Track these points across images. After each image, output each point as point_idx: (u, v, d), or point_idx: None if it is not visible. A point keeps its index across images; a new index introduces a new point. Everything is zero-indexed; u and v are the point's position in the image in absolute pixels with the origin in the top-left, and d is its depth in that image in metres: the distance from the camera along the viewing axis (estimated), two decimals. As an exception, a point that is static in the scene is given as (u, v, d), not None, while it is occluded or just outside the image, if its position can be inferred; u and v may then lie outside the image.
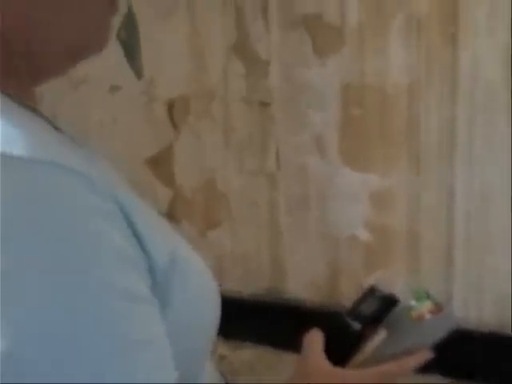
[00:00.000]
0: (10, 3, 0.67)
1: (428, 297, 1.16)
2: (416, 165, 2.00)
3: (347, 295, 2.12)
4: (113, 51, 2.22)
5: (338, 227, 2.11)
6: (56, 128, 0.79)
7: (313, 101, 2.07)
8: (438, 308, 1.14)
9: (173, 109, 2.24)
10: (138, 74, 2.24)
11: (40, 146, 0.61)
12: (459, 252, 2.01)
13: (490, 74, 1.87)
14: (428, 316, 1.12)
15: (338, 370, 1.04)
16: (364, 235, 2.09)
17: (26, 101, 0.73)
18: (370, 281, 2.07)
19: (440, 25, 1.90)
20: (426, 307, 1.14)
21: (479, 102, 1.90)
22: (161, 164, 2.29)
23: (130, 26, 2.18)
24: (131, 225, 0.63)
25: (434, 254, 2.03)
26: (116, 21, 2.15)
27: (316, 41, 2.04)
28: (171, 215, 2.30)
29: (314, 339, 1.09)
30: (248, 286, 2.24)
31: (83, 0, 0.72)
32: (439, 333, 1.11)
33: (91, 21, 0.74)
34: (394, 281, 2.07)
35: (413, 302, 1.15)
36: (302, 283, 2.19)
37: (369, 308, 1.16)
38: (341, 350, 1.11)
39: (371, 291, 1.18)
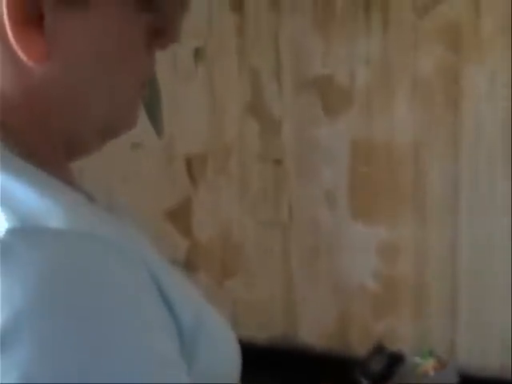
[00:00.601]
0: (54, 87, 0.70)
1: (432, 354, 1.20)
2: (422, 218, 2.04)
3: (356, 341, 2.14)
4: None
5: (348, 277, 2.14)
6: (91, 198, 0.80)
7: (323, 157, 2.11)
8: (441, 364, 1.18)
9: (191, 164, 2.28)
10: (159, 131, 2.28)
11: (75, 218, 0.61)
12: (463, 301, 2.04)
13: (490, 133, 1.92)
14: (432, 372, 1.16)
15: None
16: (372, 285, 2.11)
17: (62, 174, 0.74)
18: (377, 328, 2.11)
19: (443, 88, 1.96)
20: (430, 364, 1.18)
21: (480, 160, 1.95)
22: (179, 216, 2.31)
23: (152, 87, 2.23)
24: (160, 289, 0.62)
25: (439, 303, 2.05)
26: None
27: (326, 101, 2.09)
28: (189, 264, 2.31)
29: None
30: (262, 333, 2.24)
31: (119, 83, 0.73)
32: None
33: (125, 102, 0.75)
34: (401, 332, 2.10)
35: (418, 359, 1.20)
36: (313, 330, 2.20)
37: (377, 365, 1.21)
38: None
39: (379, 349, 1.23)
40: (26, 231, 0.57)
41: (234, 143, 2.22)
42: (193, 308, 0.67)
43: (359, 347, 2.11)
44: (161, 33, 0.75)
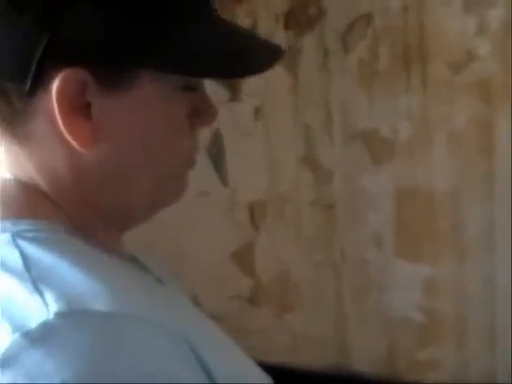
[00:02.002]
0: (102, 167, 0.69)
1: None
2: (461, 257, 2.07)
3: (403, 368, 2.17)
4: (203, 164, 2.34)
5: (394, 310, 2.18)
6: (142, 265, 0.82)
7: (370, 203, 2.17)
8: None
9: (253, 211, 2.34)
10: (224, 182, 2.34)
11: (120, 299, 0.60)
12: (501, 333, 2.05)
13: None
14: None
15: None
16: (417, 317, 2.14)
17: (112, 246, 0.75)
18: (422, 357, 2.12)
19: (477, 138, 1.99)
20: None
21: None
22: (243, 257, 2.38)
23: (218, 143, 2.31)
24: (200, 360, 0.61)
25: (479, 334, 2.08)
26: (205, 139, 2.30)
27: (372, 152, 2.14)
28: (252, 300, 2.37)
29: None
30: (317, 362, 2.29)
31: (163, 161, 0.72)
32: None
33: (170, 178, 0.74)
34: (444, 361, 2.10)
35: None
36: (363, 359, 2.24)
37: None
38: None
39: None
40: (72, 315, 0.57)
41: (290, 191, 2.28)
42: (233, 374, 0.67)
43: (406, 373, 2.14)
44: (201, 111, 0.75)
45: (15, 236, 0.64)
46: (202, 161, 2.35)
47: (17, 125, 0.67)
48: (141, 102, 0.68)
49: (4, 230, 0.65)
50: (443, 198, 2.07)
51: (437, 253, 2.10)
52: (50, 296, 0.58)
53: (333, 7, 2.11)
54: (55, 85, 0.63)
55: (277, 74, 2.21)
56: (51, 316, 0.56)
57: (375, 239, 2.17)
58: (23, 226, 0.66)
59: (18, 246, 0.63)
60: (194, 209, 2.37)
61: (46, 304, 0.57)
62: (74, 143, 0.66)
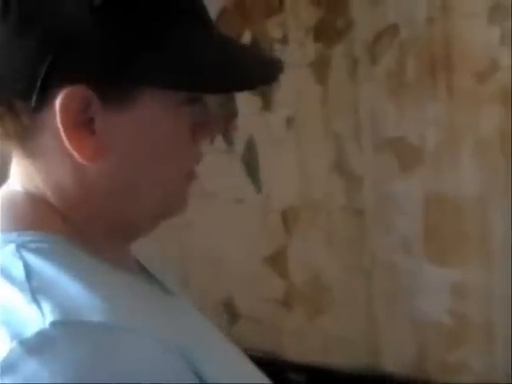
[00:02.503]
0: (107, 180, 0.70)
1: None
2: (488, 261, 2.07)
3: (432, 370, 2.17)
4: (237, 171, 2.38)
5: (424, 314, 2.18)
6: (150, 276, 0.82)
7: (399, 209, 2.18)
8: None
9: (286, 217, 2.37)
10: (258, 189, 2.37)
11: (116, 311, 0.61)
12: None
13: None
14: None
15: None
16: (445, 321, 2.14)
17: (118, 257, 0.75)
18: (451, 359, 2.12)
19: (503, 145, 2.00)
20: None
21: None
22: (276, 261, 2.41)
23: (252, 151, 2.34)
24: (197, 371, 0.62)
25: (506, 337, 2.07)
26: (239, 147, 2.33)
27: (400, 159, 2.16)
28: (285, 303, 2.40)
29: None
30: (348, 363, 2.30)
31: (167, 173, 0.73)
32: None
33: (173, 190, 0.75)
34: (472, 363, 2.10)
35: None
36: (393, 360, 2.25)
37: None
38: None
39: None
40: (68, 325, 0.58)
41: (321, 198, 2.31)
42: (230, 381, 0.68)
43: (435, 375, 2.14)
44: (204, 122, 0.75)
45: (20, 247, 0.66)
46: (236, 168, 2.39)
47: (26, 140, 0.69)
48: (144, 116, 0.69)
49: (10, 241, 0.67)
50: (470, 204, 2.07)
51: (465, 257, 2.11)
52: (46, 306, 0.59)
53: (360, 19, 2.13)
54: (58, 102, 0.65)
55: (307, 85, 2.23)
56: (47, 325, 0.57)
57: (404, 244, 2.18)
58: (28, 237, 0.67)
59: (21, 257, 0.65)
60: (229, 215, 2.41)
61: (42, 314, 0.58)
62: (78, 157, 0.67)
